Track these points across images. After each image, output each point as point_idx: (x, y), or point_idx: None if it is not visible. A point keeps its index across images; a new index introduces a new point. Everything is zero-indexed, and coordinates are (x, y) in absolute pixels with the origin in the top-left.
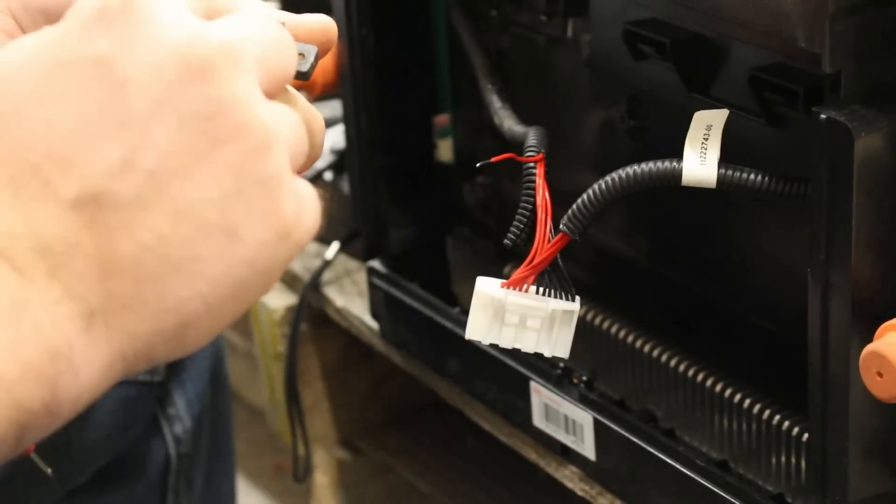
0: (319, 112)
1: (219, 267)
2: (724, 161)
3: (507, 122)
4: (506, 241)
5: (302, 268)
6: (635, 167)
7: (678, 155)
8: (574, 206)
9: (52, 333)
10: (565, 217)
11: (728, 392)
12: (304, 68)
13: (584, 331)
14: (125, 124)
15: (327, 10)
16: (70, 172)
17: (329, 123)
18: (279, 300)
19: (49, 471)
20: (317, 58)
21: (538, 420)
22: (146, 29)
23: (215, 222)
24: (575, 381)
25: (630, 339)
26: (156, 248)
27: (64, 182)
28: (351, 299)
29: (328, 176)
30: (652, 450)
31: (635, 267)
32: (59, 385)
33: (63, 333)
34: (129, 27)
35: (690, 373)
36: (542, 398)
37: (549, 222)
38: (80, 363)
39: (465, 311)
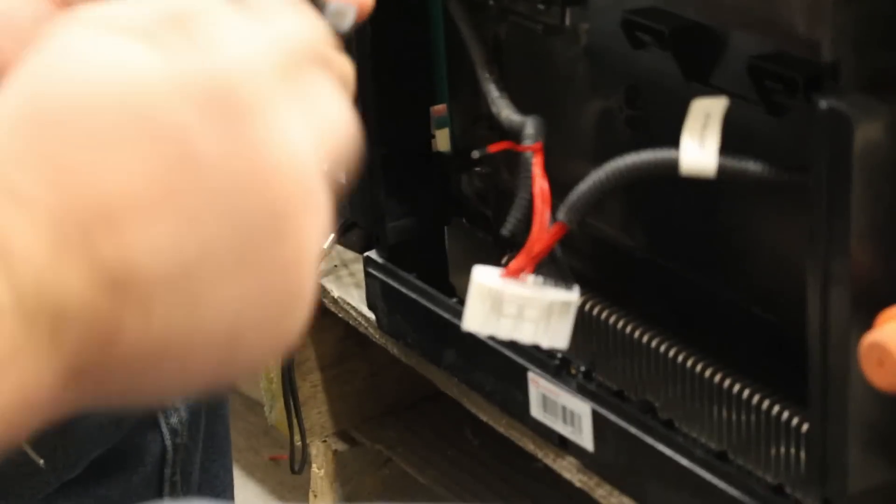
0: None
1: (207, 368)
2: (723, 150)
3: (505, 111)
4: (503, 230)
5: None
6: (633, 156)
7: (677, 144)
8: (571, 196)
9: (31, 393)
10: (563, 207)
11: (727, 383)
12: (345, 27)
13: (582, 321)
14: (186, 211)
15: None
16: (116, 239)
17: None
18: None
19: (41, 462)
20: (355, 16)
21: (536, 411)
22: (250, 135)
23: (224, 328)
24: (573, 371)
25: (628, 329)
26: (160, 339)
27: (106, 245)
28: (348, 290)
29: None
30: (650, 441)
31: (634, 257)
32: (21, 430)
33: (40, 393)
34: (238, 127)
35: (689, 363)
36: (540, 389)
37: (547, 212)
38: (42, 415)
39: (463, 302)
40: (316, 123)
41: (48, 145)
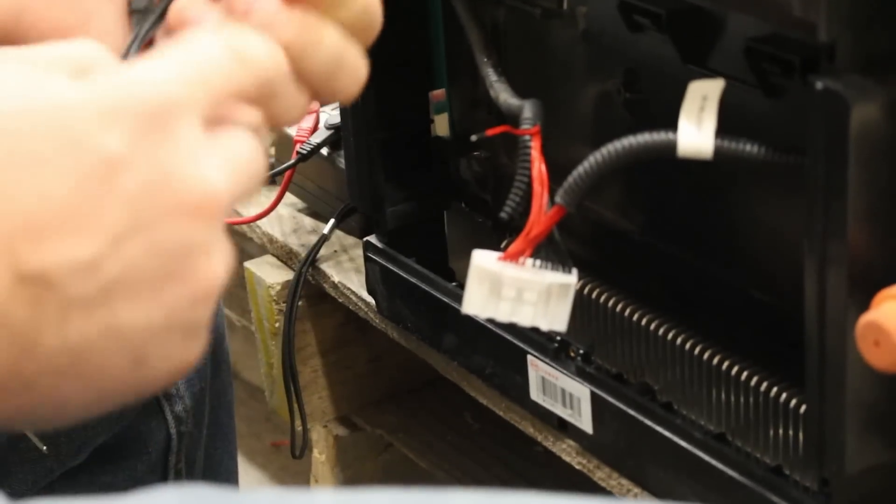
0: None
1: (114, 385)
2: (720, 132)
3: (503, 95)
4: (502, 214)
5: (298, 244)
6: (631, 139)
7: (675, 126)
8: (569, 179)
9: None
10: (561, 190)
11: (725, 365)
12: None
13: (581, 304)
14: (108, 230)
15: None
16: (38, 249)
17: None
18: (276, 276)
19: (44, 448)
20: None
21: (535, 394)
22: (168, 157)
23: (134, 349)
24: (572, 354)
25: (627, 312)
26: (73, 351)
27: (28, 255)
28: (348, 275)
29: (324, 152)
30: (650, 423)
31: (632, 240)
32: None
33: None
34: (159, 151)
35: (688, 346)
36: (539, 372)
37: (546, 195)
38: None
39: (462, 286)
40: (231, 159)
41: None
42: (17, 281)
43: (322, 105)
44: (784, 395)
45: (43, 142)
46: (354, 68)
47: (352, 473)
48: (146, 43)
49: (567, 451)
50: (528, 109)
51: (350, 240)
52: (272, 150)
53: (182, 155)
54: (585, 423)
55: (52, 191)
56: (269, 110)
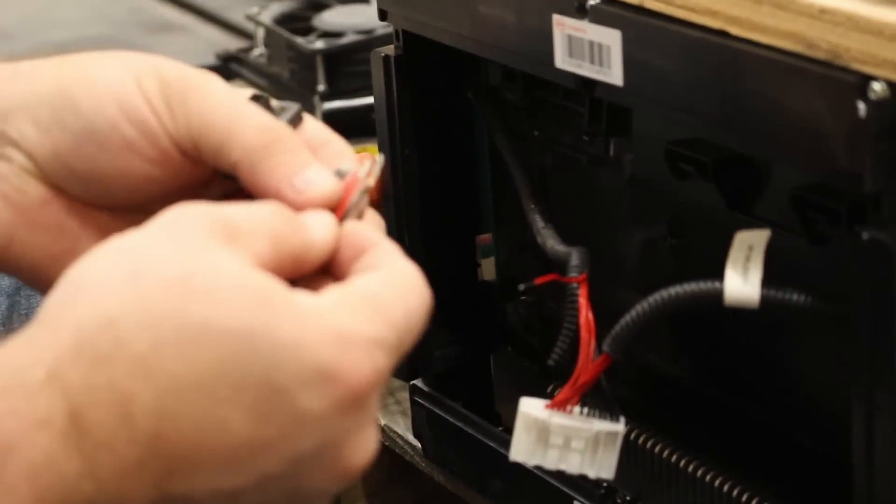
0: None
1: None
2: (766, 281)
3: (550, 241)
4: (549, 361)
5: None
6: (677, 288)
7: (721, 274)
8: (617, 327)
9: None
10: (608, 338)
11: None
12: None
13: (628, 450)
14: (262, 473)
15: (370, 131)
16: (192, 478)
17: None
18: None
19: None
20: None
21: None
22: (349, 431)
23: None
24: (619, 501)
25: (674, 458)
26: None
27: (179, 482)
28: (394, 418)
29: None
30: None
31: (678, 386)
32: None
33: None
34: (347, 420)
35: (735, 493)
36: None
37: (593, 343)
38: None
39: (509, 430)
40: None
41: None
42: (160, 498)
43: None
44: None
45: (253, 377)
46: None
47: None
48: None
49: None
50: (575, 257)
51: (396, 383)
52: None
53: (359, 433)
54: None
55: (234, 428)
56: None
